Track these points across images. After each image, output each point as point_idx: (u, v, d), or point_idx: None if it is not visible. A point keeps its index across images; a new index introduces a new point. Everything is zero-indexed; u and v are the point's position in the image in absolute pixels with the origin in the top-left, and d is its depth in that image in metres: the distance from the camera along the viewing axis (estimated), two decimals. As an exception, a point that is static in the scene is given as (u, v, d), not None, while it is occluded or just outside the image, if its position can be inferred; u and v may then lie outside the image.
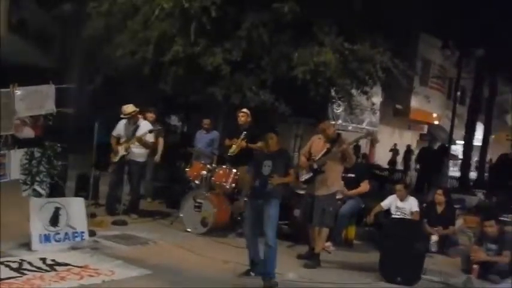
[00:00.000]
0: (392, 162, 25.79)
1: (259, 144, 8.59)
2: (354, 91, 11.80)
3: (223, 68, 10.24)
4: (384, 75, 10.89)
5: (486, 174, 22.66)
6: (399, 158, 27.20)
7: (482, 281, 6.75)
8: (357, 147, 18.73)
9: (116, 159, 8.76)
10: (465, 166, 22.55)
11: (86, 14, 11.33)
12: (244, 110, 9.26)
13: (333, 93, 12.21)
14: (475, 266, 7.04)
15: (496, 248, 7.33)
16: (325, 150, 7.09)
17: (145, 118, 9.65)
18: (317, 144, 7.27)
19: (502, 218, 9.04)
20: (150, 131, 8.69)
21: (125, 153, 8.66)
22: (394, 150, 26.43)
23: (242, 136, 8.85)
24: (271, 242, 5.99)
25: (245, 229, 6.33)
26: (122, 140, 8.78)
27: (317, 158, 7.09)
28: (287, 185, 9.65)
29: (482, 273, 6.99)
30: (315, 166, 7.06)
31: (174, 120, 21.38)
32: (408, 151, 26.59)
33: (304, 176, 7.23)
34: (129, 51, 10.92)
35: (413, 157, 26.82)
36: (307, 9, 10.30)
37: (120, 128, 8.87)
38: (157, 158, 10.15)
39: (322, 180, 7.04)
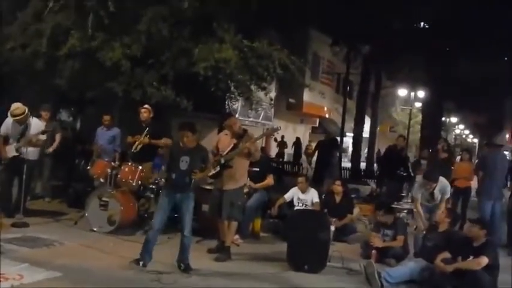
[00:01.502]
0: (279, 154, 26.43)
1: (163, 140, 8.61)
2: (252, 87, 12.06)
3: (123, 63, 10.03)
4: (282, 71, 11.24)
5: (375, 164, 24.09)
6: (287, 151, 27.88)
7: (381, 264, 7.22)
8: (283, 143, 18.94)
9: (6, 160, 8.33)
10: (356, 157, 23.84)
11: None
12: (146, 106, 9.18)
13: (232, 89, 12.40)
14: (373, 252, 7.54)
15: (391, 233, 7.91)
16: (232, 145, 7.23)
17: (39, 116, 9.26)
18: (224, 140, 7.41)
19: (393, 205, 9.74)
20: (43, 132, 8.35)
21: (16, 154, 8.25)
22: (282, 143, 27.11)
23: (145, 132, 8.78)
24: (189, 232, 6.34)
25: (155, 220, 6.40)
26: (11, 140, 8.34)
27: (224, 153, 7.22)
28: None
29: (380, 258, 7.50)
30: (222, 161, 7.18)
31: (64, 115, 20.55)
32: (297, 143, 27.36)
33: (212, 171, 7.32)
34: (20, 44, 10.37)
35: (303, 149, 27.89)
36: (207, 5, 10.38)
37: (8, 126, 8.38)
38: (49, 150, 9.77)
39: (229, 175, 7.19)
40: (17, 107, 8.18)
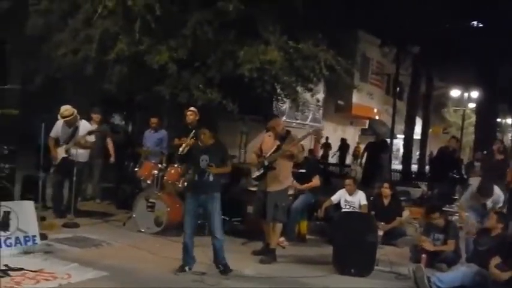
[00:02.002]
0: (324, 156, 26.11)
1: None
2: (299, 88, 11.99)
3: (170, 66, 10.16)
4: (328, 72, 11.11)
5: (426, 166, 23.50)
6: (332, 152, 27.48)
7: (430, 269, 6.99)
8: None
9: (57, 161, 8.55)
10: (407, 159, 23.33)
11: (26, 12, 10.94)
12: (192, 108, 9.26)
13: (278, 91, 12.36)
14: (423, 256, 7.29)
15: (442, 237, 7.65)
16: (275, 147, 7.18)
17: (90, 119, 9.48)
18: (267, 142, 7.36)
19: (445, 208, 9.45)
20: (90, 133, 8.53)
21: (65, 155, 8.45)
22: (326, 144, 26.79)
23: (191, 135, 8.82)
24: (219, 234, 6.22)
25: (185, 225, 6.30)
26: (61, 142, 8.56)
27: (267, 155, 7.18)
28: (238, 182, 9.81)
29: (430, 262, 7.26)
30: (266, 163, 7.14)
31: (117, 119, 21.05)
32: (343, 145, 26.98)
33: (256, 173, 7.30)
34: (71, 49, 10.67)
35: (350, 151, 27.50)
36: (252, 7, 10.39)
37: (58, 129, 8.63)
38: (112, 159, 10.24)
39: (273, 177, 7.13)
40: (66, 108, 8.42)
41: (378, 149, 15.06)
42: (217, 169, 6.29)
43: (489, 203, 7.88)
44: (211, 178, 6.23)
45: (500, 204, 8.08)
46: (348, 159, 27.03)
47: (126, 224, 8.41)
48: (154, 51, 10.19)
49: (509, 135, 53.60)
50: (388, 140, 20.04)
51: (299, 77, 11.30)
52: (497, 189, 8.05)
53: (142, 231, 8.03)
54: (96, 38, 10.22)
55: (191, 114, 9.08)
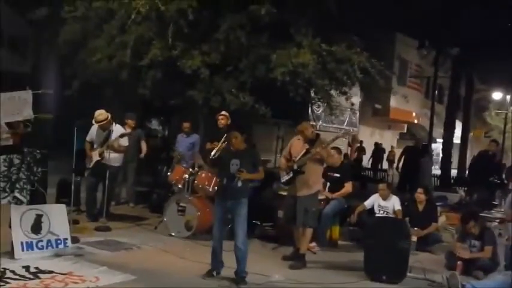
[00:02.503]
0: (358, 160, 25.72)
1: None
2: (333, 92, 11.87)
3: (202, 71, 10.23)
4: (362, 75, 10.97)
5: (466, 171, 22.90)
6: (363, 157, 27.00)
7: (466, 277, 6.78)
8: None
9: (91, 165, 8.67)
10: (446, 164, 22.79)
11: (61, 19, 11.19)
12: (224, 112, 9.26)
13: (312, 94, 12.27)
14: (459, 263, 7.08)
15: (478, 244, 7.41)
16: (304, 151, 7.08)
17: (125, 124, 9.60)
18: (296, 145, 7.27)
19: (483, 214, 9.17)
20: (122, 136, 8.60)
21: (98, 158, 8.56)
22: (360, 148, 26.40)
23: (223, 139, 8.80)
24: (241, 243, 6.01)
25: (214, 229, 6.20)
26: (95, 145, 8.68)
27: (297, 159, 7.09)
28: (270, 186, 9.73)
29: (466, 269, 7.04)
30: (295, 167, 7.05)
31: (155, 124, 21.34)
32: (377, 149, 26.55)
33: (285, 177, 7.23)
34: (106, 55, 10.86)
35: (385, 155, 27.02)
36: (284, 11, 10.34)
37: (93, 133, 8.76)
38: (141, 155, 10.18)
39: (303, 181, 7.03)
40: (100, 113, 8.53)
41: (417, 153, 14.77)
42: (248, 174, 6.13)
43: None
44: (239, 184, 6.08)
45: None
46: (385, 165, 26.56)
47: (158, 228, 8.44)
48: (187, 56, 10.28)
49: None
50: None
51: (332, 80, 11.21)
52: None
53: (173, 235, 8.05)
54: (131, 44, 10.39)
55: (222, 119, 9.08)
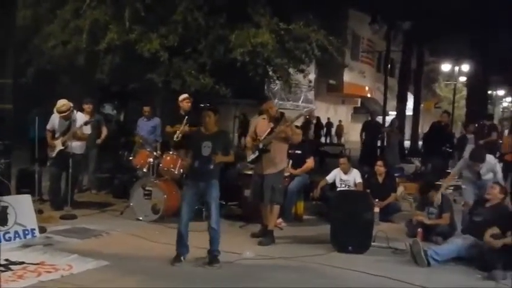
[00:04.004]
0: (316, 136, 26.10)
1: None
2: (291, 70, 12.01)
3: (161, 53, 10.19)
4: (320, 53, 11.13)
5: (419, 142, 23.61)
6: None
7: (427, 242, 7.10)
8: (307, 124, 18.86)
9: (54, 154, 8.57)
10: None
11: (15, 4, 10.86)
12: (187, 95, 9.24)
13: (270, 73, 12.38)
14: (419, 230, 7.42)
15: (436, 211, 7.77)
16: (269, 129, 7.22)
17: (82, 110, 9.46)
18: (262, 125, 7.39)
19: (438, 182, 9.55)
20: (86, 123, 8.52)
21: (62, 147, 8.47)
22: (318, 125, 26.79)
23: (185, 121, 8.85)
24: (215, 224, 6.06)
25: (182, 212, 6.13)
26: (57, 134, 8.58)
27: (262, 138, 7.22)
28: (234, 166, 9.84)
29: (426, 236, 7.39)
30: (261, 146, 7.18)
31: (108, 109, 21.03)
32: (328, 124, 27.05)
33: (251, 156, 7.34)
34: (62, 41, 10.64)
35: (333, 129, 27.60)
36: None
37: (54, 122, 8.61)
38: (99, 140, 10.04)
39: (269, 159, 7.17)
40: (63, 103, 8.40)
41: (374, 127, 15.24)
42: (223, 158, 6.10)
43: (484, 171, 7.96)
44: (211, 166, 6.06)
45: (499, 175, 8.13)
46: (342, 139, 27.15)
47: (124, 213, 8.44)
48: (145, 39, 10.21)
49: (501, 106, 53.83)
50: (381, 117, 20.18)
51: (291, 59, 11.34)
52: (491, 158, 8.15)
53: (140, 220, 8.08)
54: (86, 29, 10.21)
55: (188, 102, 9.05)
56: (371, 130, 15.00)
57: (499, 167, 8.29)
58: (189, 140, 6.59)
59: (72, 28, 10.50)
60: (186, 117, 8.83)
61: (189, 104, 9.00)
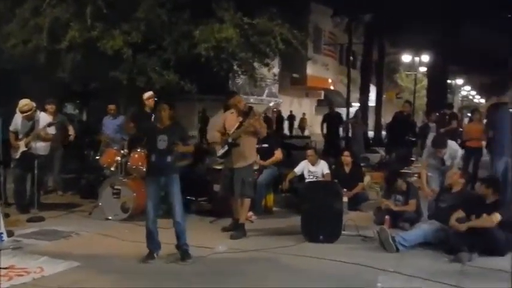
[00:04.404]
0: (278, 129, 26.31)
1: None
2: (256, 64, 12.04)
3: (125, 50, 10.05)
4: (284, 46, 11.19)
5: (383, 132, 24.02)
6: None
7: (394, 229, 7.27)
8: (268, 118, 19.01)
9: (17, 155, 8.42)
10: (363, 127, 23.75)
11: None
12: (151, 93, 9.17)
13: (235, 68, 12.38)
14: (386, 217, 7.59)
15: (402, 198, 7.96)
16: (238, 124, 7.26)
17: (45, 110, 9.31)
18: (230, 119, 7.43)
19: (403, 171, 9.78)
20: (49, 125, 8.39)
21: (25, 148, 8.32)
22: (279, 117, 26.98)
23: (152, 118, 8.78)
24: (180, 218, 6.07)
25: (148, 209, 6.12)
26: (21, 135, 8.42)
27: (231, 132, 7.26)
28: (202, 161, 9.85)
29: (393, 223, 7.56)
30: (230, 140, 7.21)
31: (70, 109, 20.67)
32: (290, 117, 27.31)
33: (221, 151, 7.38)
34: (22, 40, 10.41)
35: (296, 122, 27.88)
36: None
37: (17, 122, 8.46)
38: (71, 137, 9.97)
39: (238, 153, 7.21)
40: (25, 103, 8.24)
41: (334, 119, 15.44)
42: (183, 147, 6.20)
43: (447, 157, 8.20)
44: (169, 159, 6.06)
45: (459, 160, 8.39)
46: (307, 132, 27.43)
47: (93, 213, 8.34)
48: (108, 37, 10.03)
49: (460, 95, 55.13)
50: (344, 109, 20.44)
51: (256, 53, 11.35)
52: (452, 143, 8.41)
53: (109, 219, 8.01)
54: (46, 27, 9.99)
55: (152, 99, 8.97)
56: (332, 122, 15.24)
57: (460, 153, 8.55)
58: (144, 135, 6.57)
59: (32, 27, 10.25)
60: (153, 115, 8.77)
61: (152, 101, 8.93)
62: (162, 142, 6.06)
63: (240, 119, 7.22)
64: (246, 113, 7.24)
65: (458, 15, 20.02)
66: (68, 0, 9.94)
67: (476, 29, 20.87)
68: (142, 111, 8.99)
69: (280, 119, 26.19)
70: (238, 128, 7.18)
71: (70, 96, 17.67)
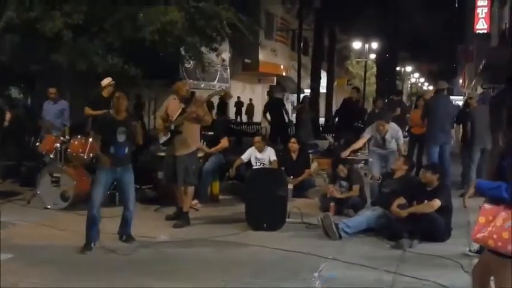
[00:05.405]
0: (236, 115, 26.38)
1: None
2: (203, 49, 11.87)
3: (65, 33, 9.71)
4: (231, 31, 11.05)
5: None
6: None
7: (339, 216, 7.30)
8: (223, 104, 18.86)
9: None
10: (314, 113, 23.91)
11: None
12: (110, 79, 8.86)
13: (183, 52, 12.17)
14: (331, 204, 7.62)
15: (347, 184, 8.00)
16: (180, 110, 7.08)
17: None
18: (172, 105, 7.25)
19: (350, 157, 9.82)
20: None
21: None
22: (238, 103, 27.02)
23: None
24: (132, 206, 6.15)
25: (94, 196, 5.97)
26: None
27: (173, 119, 7.08)
28: (147, 148, 9.63)
29: (338, 209, 7.60)
30: (172, 127, 7.04)
31: (15, 92, 19.92)
32: (238, 103, 27.34)
33: (163, 138, 7.21)
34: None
35: (243, 109, 27.93)
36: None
37: None
38: (6, 123, 9.47)
39: (181, 141, 7.05)
40: None
41: (276, 106, 15.39)
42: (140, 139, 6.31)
43: (389, 137, 8.29)
44: (126, 150, 6.08)
45: (401, 141, 8.51)
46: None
47: (31, 202, 8.05)
48: (48, 18, 9.66)
49: (409, 82, 56.32)
50: (295, 95, 20.48)
51: (202, 37, 11.18)
52: (393, 124, 8.52)
53: (49, 208, 7.74)
54: (-19, 7, 9.53)
55: (112, 87, 8.66)
56: (274, 108, 15.14)
57: (401, 134, 8.66)
58: (100, 124, 6.43)
59: (-36, 6, 9.78)
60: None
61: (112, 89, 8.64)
62: (121, 135, 6.03)
63: (183, 105, 7.05)
64: (188, 99, 7.07)
65: (407, 3, 20.32)
66: (3, -22, 9.47)
67: (423, 17, 21.24)
68: (100, 96, 8.69)
69: (223, 104, 26.18)
70: (180, 114, 7.00)
71: (14, 80, 17.01)
